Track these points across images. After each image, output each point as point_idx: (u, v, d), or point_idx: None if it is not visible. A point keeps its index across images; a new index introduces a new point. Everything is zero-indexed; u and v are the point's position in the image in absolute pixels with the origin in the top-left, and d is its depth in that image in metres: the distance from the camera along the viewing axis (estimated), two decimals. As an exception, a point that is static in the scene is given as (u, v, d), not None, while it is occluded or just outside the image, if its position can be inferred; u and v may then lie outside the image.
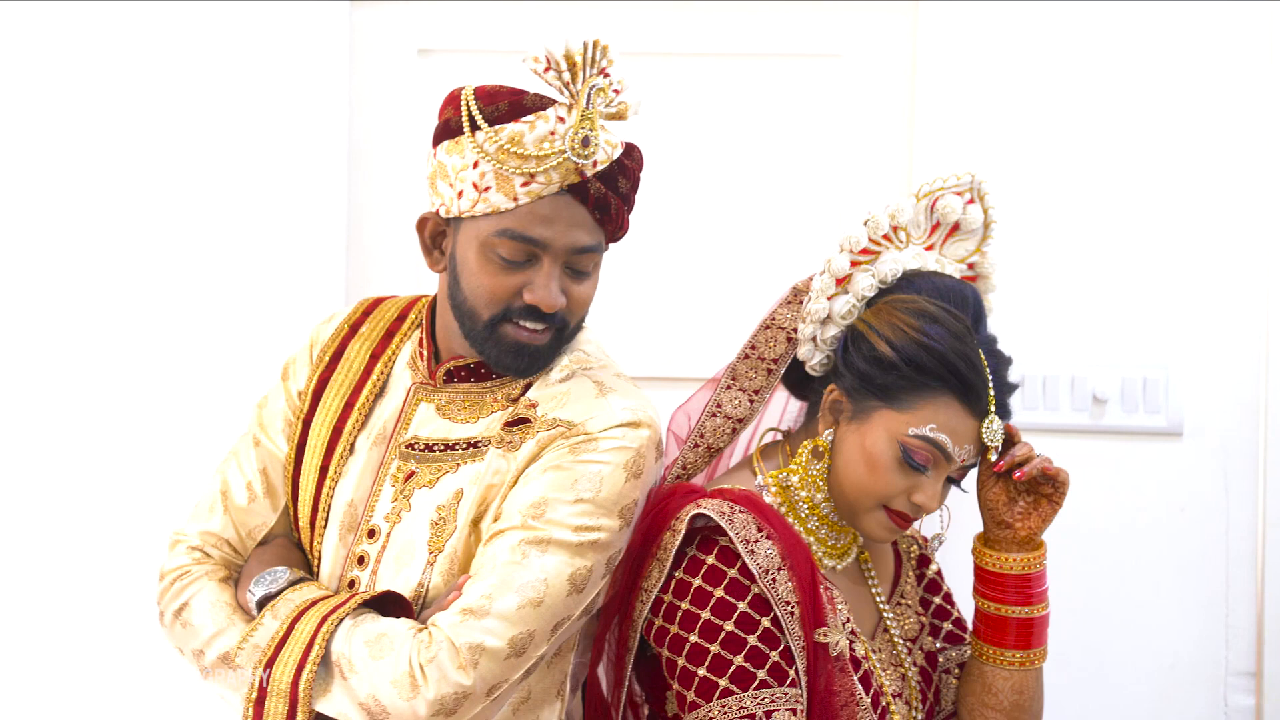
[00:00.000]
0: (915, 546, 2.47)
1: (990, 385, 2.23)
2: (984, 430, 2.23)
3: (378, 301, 2.47)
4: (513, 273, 2.21)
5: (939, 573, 2.50)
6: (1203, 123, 3.12)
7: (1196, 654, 3.15)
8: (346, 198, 3.21)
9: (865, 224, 2.34)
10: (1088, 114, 3.13)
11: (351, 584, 2.28)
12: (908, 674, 2.33)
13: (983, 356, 2.23)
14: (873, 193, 3.18)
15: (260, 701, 2.15)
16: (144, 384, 3.20)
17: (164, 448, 3.17)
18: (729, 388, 2.41)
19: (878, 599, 2.38)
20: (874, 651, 2.31)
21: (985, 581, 2.33)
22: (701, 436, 2.41)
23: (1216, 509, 3.14)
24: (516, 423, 2.26)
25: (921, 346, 2.20)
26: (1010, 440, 2.33)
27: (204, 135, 3.18)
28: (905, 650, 2.35)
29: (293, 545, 2.37)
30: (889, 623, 2.36)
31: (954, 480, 2.28)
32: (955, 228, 2.36)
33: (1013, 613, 2.30)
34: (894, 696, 2.30)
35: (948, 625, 2.45)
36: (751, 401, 2.40)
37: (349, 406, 2.36)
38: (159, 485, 3.12)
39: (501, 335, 2.24)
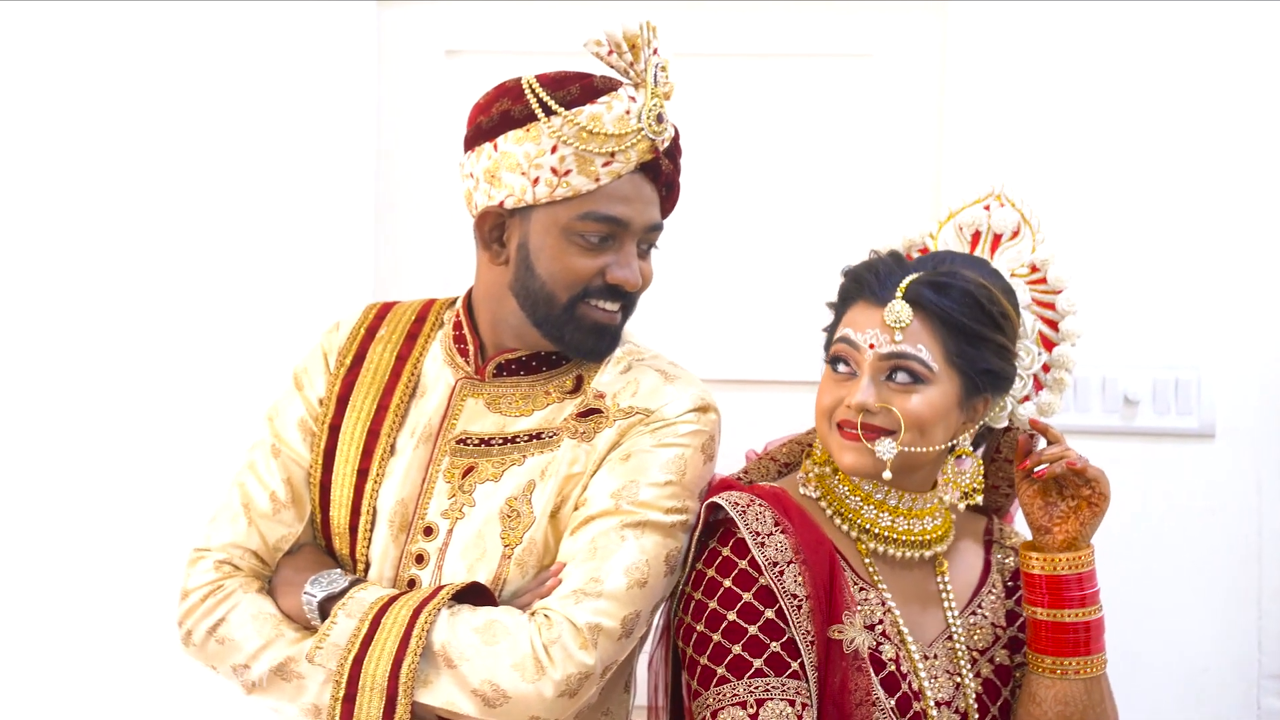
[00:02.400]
0: (1013, 559, 2.43)
1: (903, 281, 2.22)
2: (885, 314, 2.21)
3: (388, 306, 2.47)
4: (593, 254, 2.24)
5: None
6: (1233, 123, 3.12)
7: (1228, 657, 3.14)
8: (375, 198, 3.20)
9: (873, 251, 2.38)
10: (1117, 114, 3.13)
11: (411, 583, 2.25)
12: (964, 684, 2.30)
13: (913, 273, 2.24)
14: (903, 191, 3.18)
15: (350, 699, 2.12)
16: (173, 388, 3.18)
17: (196, 453, 3.15)
18: (810, 433, 2.45)
19: (947, 607, 2.34)
20: (928, 658, 2.28)
21: (1025, 585, 2.30)
22: (766, 451, 2.46)
23: (1248, 511, 3.13)
24: (588, 413, 2.28)
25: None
26: (1051, 441, 2.32)
27: (233, 137, 3.18)
28: (968, 662, 2.32)
29: (322, 551, 2.34)
30: (954, 632, 2.33)
31: (898, 383, 2.21)
32: (997, 238, 2.38)
33: (1050, 616, 2.26)
34: (940, 704, 2.27)
35: None
36: None
37: (383, 408, 2.34)
38: (189, 488, 3.11)
39: (581, 317, 2.26)
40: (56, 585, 3.19)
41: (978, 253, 2.37)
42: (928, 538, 2.32)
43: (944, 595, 2.34)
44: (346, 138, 3.17)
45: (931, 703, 2.26)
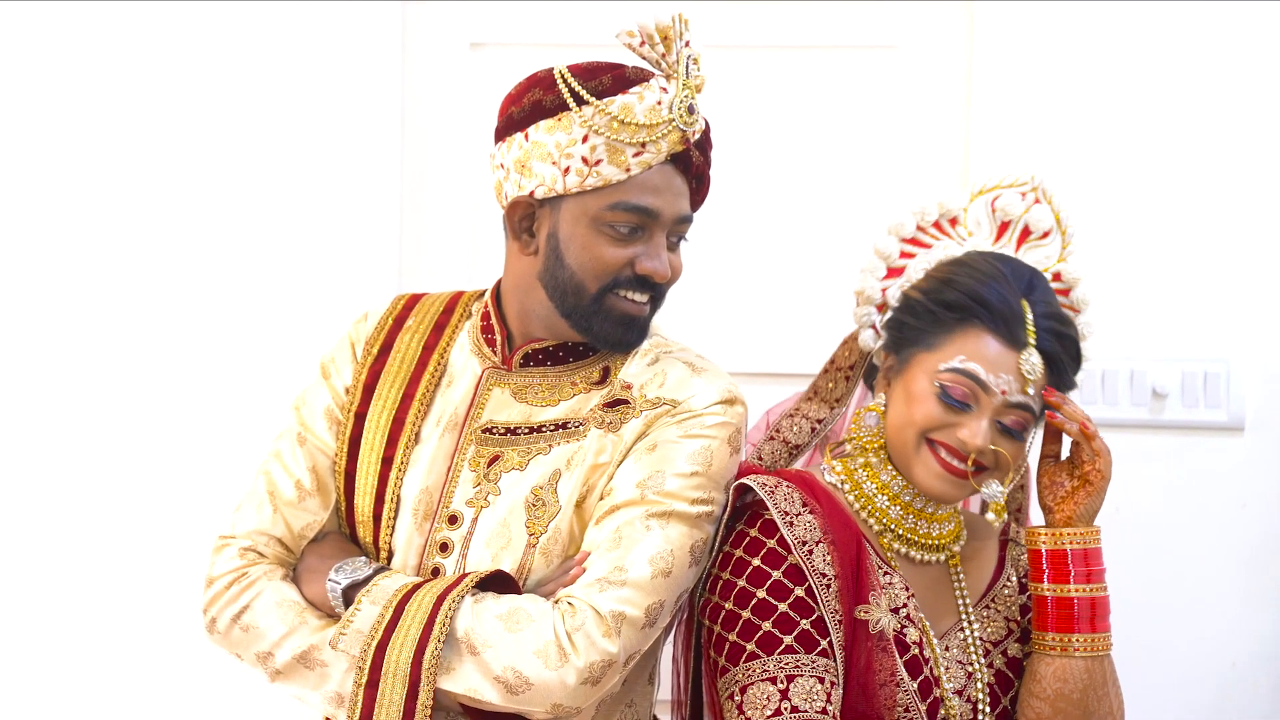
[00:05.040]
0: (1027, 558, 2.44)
1: (1029, 321, 2.22)
2: (1021, 362, 2.21)
3: (416, 297, 2.47)
4: (623, 245, 2.25)
5: None
6: (1262, 114, 3.11)
7: (1258, 653, 3.12)
8: (400, 191, 3.20)
9: (913, 212, 2.37)
10: (1146, 107, 3.12)
11: (435, 571, 2.25)
12: (976, 674, 2.31)
13: (1026, 305, 2.23)
14: (929, 184, 3.16)
15: (373, 685, 2.12)
16: (200, 380, 3.19)
17: (222, 444, 3.15)
18: (810, 399, 2.47)
19: (960, 600, 2.35)
20: (945, 649, 2.30)
21: (1032, 564, 2.30)
22: (778, 431, 2.47)
23: (1278, 504, 3.11)
24: (615, 404, 2.28)
25: (946, 283, 2.25)
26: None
27: (258, 132, 3.17)
28: (981, 652, 2.32)
29: (347, 539, 2.34)
30: (966, 624, 2.33)
31: (1010, 431, 2.23)
32: (1026, 232, 2.37)
33: (1057, 591, 2.26)
34: (955, 693, 2.28)
35: None
36: (832, 409, 2.47)
37: (408, 397, 2.34)
38: (215, 479, 3.10)
39: (610, 308, 2.27)
40: (84, 575, 3.19)
41: (1003, 242, 2.37)
42: (942, 541, 2.35)
43: (957, 588, 2.35)
44: (371, 131, 3.17)
45: (949, 690, 2.27)
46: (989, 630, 2.35)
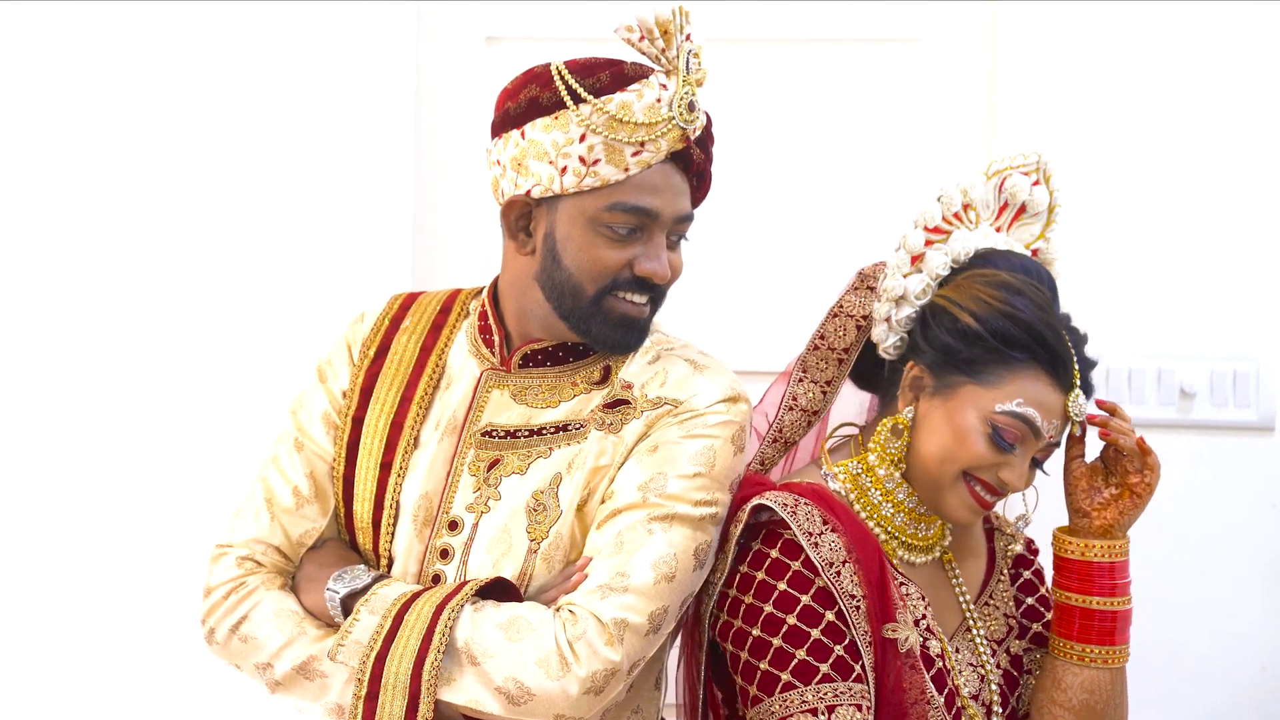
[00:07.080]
0: (1015, 546, 2.41)
1: (1074, 358, 2.19)
2: (1070, 404, 2.19)
3: (413, 297, 2.43)
4: (622, 246, 2.20)
5: (1038, 574, 2.44)
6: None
7: (1287, 656, 3.09)
8: (413, 187, 3.20)
9: (939, 200, 2.32)
10: (1171, 102, 3.09)
11: (436, 578, 2.22)
12: (988, 676, 2.28)
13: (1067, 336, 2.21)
14: (952, 178, 3.11)
15: (372, 697, 2.08)
16: (214, 381, 3.19)
17: (235, 447, 3.15)
18: (800, 380, 2.41)
19: (961, 599, 2.32)
20: (954, 652, 2.27)
21: (1057, 569, 2.28)
22: (780, 431, 2.41)
23: (1308, 506, 3.08)
24: (615, 404, 2.24)
25: (1007, 317, 2.17)
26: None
27: (272, 129, 3.18)
28: (989, 652, 2.29)
29: (346, 546, 2.31)
30: (971, 623, 2.30)
31: (1038, 462, 2.23)
32: (1022, 209, 2.34)
33: (1079, 602, 2.23)
34: (970, 698, 2.25)
35: (1037, 627, 2.38)
36: (824, 393, 2.41)
37: (406, 400, 2.30)
38: (222, 483, 3.09)
39: (608, 310, 2.22)
40: (81, 583, 3.20)
41: (1002, 220, 2.33)
42: (933, 541, 2.32)
43: (957, 588, 2.32)
44: (386, 126, 3.17)
45: (966, 696, 2.25)
46: (991, 628, 2.33)
